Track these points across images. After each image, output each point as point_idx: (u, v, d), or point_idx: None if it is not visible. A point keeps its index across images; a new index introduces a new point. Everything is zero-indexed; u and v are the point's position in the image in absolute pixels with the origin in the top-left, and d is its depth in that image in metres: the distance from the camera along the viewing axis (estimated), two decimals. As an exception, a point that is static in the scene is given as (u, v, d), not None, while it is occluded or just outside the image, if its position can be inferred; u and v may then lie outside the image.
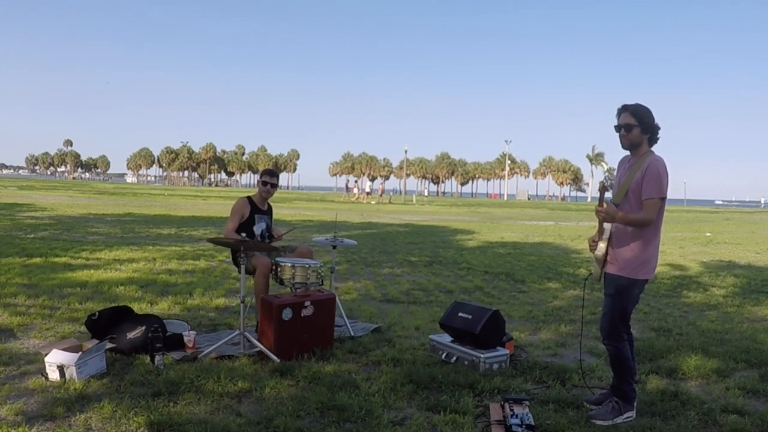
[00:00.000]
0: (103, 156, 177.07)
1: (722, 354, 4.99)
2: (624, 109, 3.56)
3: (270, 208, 5.73)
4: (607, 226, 3.59)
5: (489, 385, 4.03)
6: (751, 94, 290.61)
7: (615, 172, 3.85)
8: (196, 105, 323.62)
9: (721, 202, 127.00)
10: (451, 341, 4.68)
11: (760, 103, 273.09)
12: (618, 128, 3.58)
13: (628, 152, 3.66)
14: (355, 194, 48.47)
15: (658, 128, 3.56)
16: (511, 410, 3.38)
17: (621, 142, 3.59)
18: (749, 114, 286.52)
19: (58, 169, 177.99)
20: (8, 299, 6.13)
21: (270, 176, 5.59)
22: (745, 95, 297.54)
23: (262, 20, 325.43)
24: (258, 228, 5.48)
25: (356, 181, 56.93)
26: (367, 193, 48.13)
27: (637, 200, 3.50)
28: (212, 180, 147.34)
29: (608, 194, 3.60)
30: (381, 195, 49.70)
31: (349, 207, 33.84)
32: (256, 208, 5.52)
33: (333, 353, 4.65)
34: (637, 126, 3.53)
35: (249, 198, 5.55)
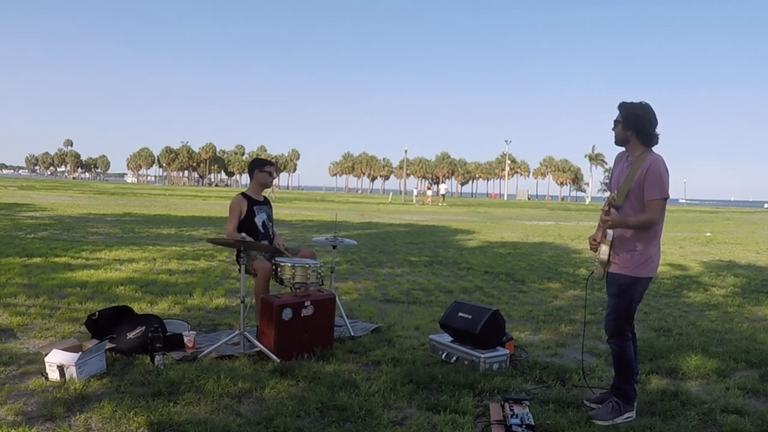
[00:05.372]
0: (103, 156, 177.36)
1: (722, 354, 4.98)
2: (618, 106, 3.62)
3: (267, 199, 5.72)
4: (610, 229, 3.58)
5: (489, 385, 4.03)
6: (753, 93, 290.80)
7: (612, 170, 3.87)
8: (196, 105, 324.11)
9: (684, 201, 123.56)
10: (451, 341, 4.68)
11: (762, 102, 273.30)
12: None
13: (623, 149, 3.69)
14: (428, 196, 48.13)
15: (648, 127, 3.52)
16: (511, 410, 3.38)
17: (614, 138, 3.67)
18: (752, 113, 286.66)
19: (58, 169, 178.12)
20: (8, 299, 6.12)
21: (271, 165, 5.69)
22: (747, 94, 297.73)
23: (262, 20, 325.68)
24: (259, 219, 5.45)
25: (428, 184, 56.63)
26: (442, 196, 47.55)
27: (638, 201, 3.50)
28: (212, 180, 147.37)
29: (608, 193, 3.61)
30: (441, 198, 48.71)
31: (397, 209, 33.80)
32: (253, 201, 5.50)
33: (333, 353, 4.64)
34: (620, 122, 3.57)
35: (243, 193, 5.54)
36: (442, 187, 49.83)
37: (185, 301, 6.44)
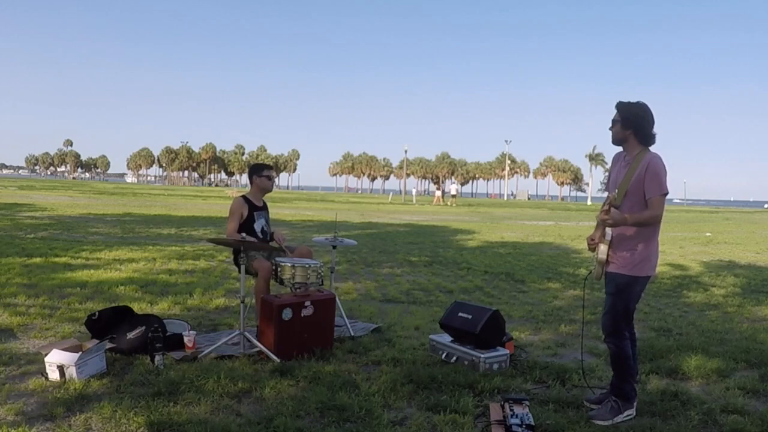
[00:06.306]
0: (103, 156, 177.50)
1: (722, 354, 4.98)
2: (615, 106, 3.62)
3: (265, 204, 5.73)
4: (608, 228, 3.58)
5: (489, 385, 4.03)
6: (753, 93, 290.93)
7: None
8: (196, 105, 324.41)
9: (679, 201, 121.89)
10: (451, 341, 4.68)
11: (763, 102, 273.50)
12: None
13: (620, 148, 3.69)
14: (436, 197, 48.04)
15: (646, 126, 3.52)
16: (511, 410, 3.38)
17: (611, 137, 3.66)
18: (752, 113, 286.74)
19: (58, 169, 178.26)
20: (8, 299, 6.12)
21: (270, 169, 5.69)
22: (747, 94, 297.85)
23: (262, 20, 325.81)
24: (258, 225, 5.49)
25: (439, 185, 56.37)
26: (453, 196, 47.38)
27: (638, 199, 3.49)
28: (212, 180, 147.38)
29: (607, 194, 3.61)
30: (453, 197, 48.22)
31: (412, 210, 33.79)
32: (254, 206, 5.52)
33: (333, 353, 4.64)
34: (619, 121, 3.57)
35: (244, 197, 5.56)
36: (453, 188, 49.54)
37: (185, 301, 6.44)
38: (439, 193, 49.29)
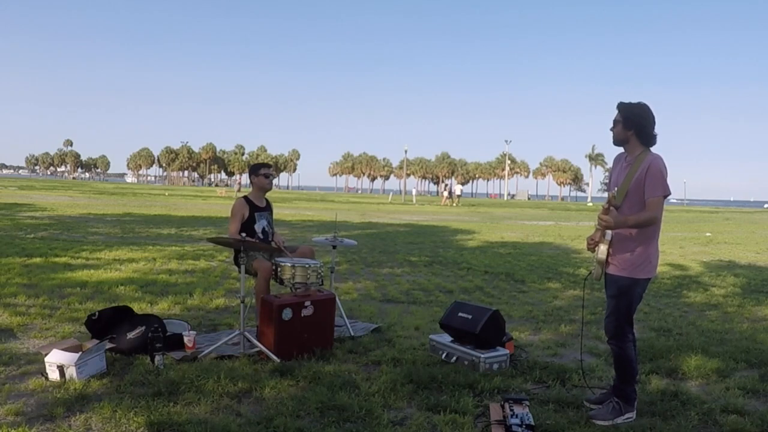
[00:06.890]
0: (103, 156, 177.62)
1: (722, 354, 4.98)
2: (617, 106, 3.62)
3: (269, 204, 5.73)
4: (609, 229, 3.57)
5: (489, 385, 4.03)
6: (753, 93, 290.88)
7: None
8: (196, 105, 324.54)
9: (677, 201, 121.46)
10: (451, 341, 4.68)
11: (763, 102, 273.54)
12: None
13: (621, 149, 3.69)
14: (444, 197, 48.13)
15: (648, 126, 3.52)
16: (511, 410, 3.38)
17: (612, 138, 3.66)
18: (752, 113, 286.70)
19: (58, 169, 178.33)
20: (8, 299, 6.12)
21: (267, 168, 5.70)
22: (747, 93, 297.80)
23: (263, 20, 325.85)
24: (259, 226, 5.49)
25: (446, 185, 56.17)
26: (458, 196, 47.51)
27: (638, 200, 3.49)
28: (212, 180, 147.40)
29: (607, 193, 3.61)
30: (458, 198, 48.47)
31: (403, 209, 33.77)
32: (255, 207, 5.52)
33: (333, 353, 4.64)
34: (620, 122, 3.57)
35: (246, 198, 5.56)
36: (458, 188, 49.83)
37: (185, 301, 6.44)
38: (446, 193, 49.39)
